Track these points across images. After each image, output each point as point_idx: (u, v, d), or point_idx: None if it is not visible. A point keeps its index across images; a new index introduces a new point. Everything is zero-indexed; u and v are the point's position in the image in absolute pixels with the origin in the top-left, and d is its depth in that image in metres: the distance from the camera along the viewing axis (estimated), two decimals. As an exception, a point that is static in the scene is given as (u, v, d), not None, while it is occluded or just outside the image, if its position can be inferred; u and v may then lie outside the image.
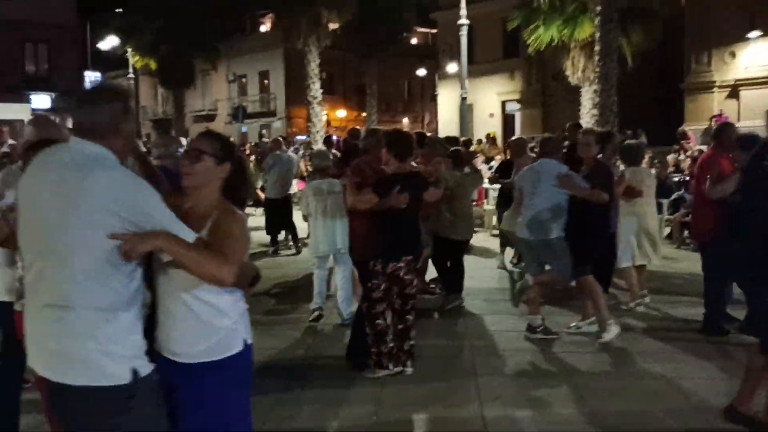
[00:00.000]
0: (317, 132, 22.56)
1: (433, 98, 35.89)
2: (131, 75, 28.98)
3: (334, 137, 16.99)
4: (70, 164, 2.36)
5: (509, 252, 9.34)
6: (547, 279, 6.30)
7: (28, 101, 28.46)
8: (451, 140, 9.19)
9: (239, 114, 32.82)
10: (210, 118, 42.99)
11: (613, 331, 5.98)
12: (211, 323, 2.58)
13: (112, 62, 35.77)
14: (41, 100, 29.88)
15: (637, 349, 5.90)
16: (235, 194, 2.75)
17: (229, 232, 2.56)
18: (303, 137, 24.06)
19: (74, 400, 2.38)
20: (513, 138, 10.61)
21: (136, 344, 2.42)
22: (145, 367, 2.42)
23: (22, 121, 23.91)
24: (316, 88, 23.12)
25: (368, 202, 5.13)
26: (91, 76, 32.30)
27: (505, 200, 9.00)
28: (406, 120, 41.38)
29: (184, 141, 16.15)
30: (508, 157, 9.59)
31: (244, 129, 33.91)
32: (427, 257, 7.45)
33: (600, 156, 6.26)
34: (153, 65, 30.02)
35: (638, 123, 17.93)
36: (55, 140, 3.50)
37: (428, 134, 10.41)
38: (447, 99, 30.98)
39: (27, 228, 2.46)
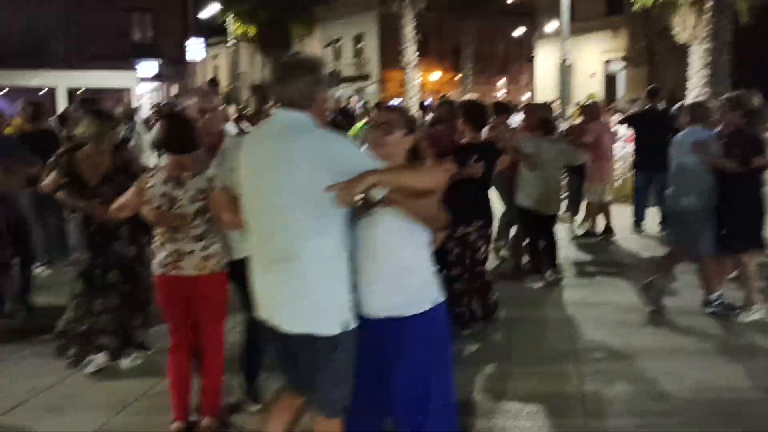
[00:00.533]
0: (411, 97, 22.41)
1: (530, 59, 34.90)
2: (231, 42, 29.65)
3: (428, 101, 16.89)
4: (279, 132, 2.67)
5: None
6: (711, 266, 5.98)
7: (135, 69, 29.71)
8: (533, 107, 8.94)
9: (334, 78, 33.06)
10: (306, 82, 43.56)
11: (754, 315, 5.74)
12: (403, 281, 2.75)
13: (212, 30, 36.71)
14: (148, 68, 31.09)
15: (747, 324, 5.64)
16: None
17: (416, 167, 2.85)
18: (397, 101, 23.95)
19: (294, 347, 2.69)
20: (587, 102, 10.33)
21: (347, 298, 2.67)
22: (352, 322, 2.66)
23: (128, 89, 25.13)
24: (411, 52, 22.90)
25: (449, 172, 5.20)
26: (193, 44, 33.25)
27: (574, 167, 8.68)
28: (501, 82, 40.51)
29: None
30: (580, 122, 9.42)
31: (339, 93, 34.19)
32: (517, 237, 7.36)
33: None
34: (251, 32, 30.58)
35: (752, 84, 16.81)
36: (210, 109, 3.82)
37: (523, 98, 10.16)
38: (545, 59, 30.04)
39: (249, 194, 2.78)
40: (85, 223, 4.67)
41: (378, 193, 2.59)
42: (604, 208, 9.14)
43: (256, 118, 12.36)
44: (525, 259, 7.34)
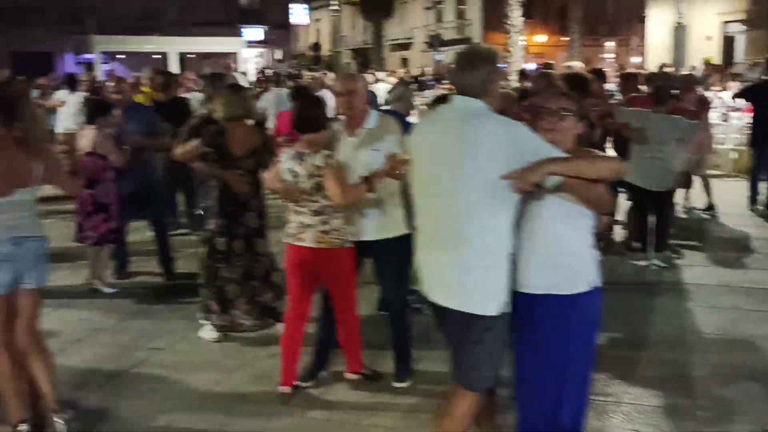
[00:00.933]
0: (515, 62, 21.82)
1: (641, 19, 33.24)
2: (335, 6, 29.81)
3: (530, 67, 16.42)
4: (458, 118, 2.82)
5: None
6: None
7: (240, 35, 30.46)
8: (630, 76, 8.52)
9: (435, 42, 32.74)
10: (405, 46, 43.30)
11: None
12: (559, 260, 2.83)
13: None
14: (253, 33, 31.81)
15: None
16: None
17: (590, 156, 2.88)
18: (500, 65, 23.40)
19: (453, 322, 2.88)
20: (685, 72, 9.75)
21: (506, 281, 2.80)
22: (507, 306, 2.81)
23: (235, 54, 25.81)
24: (516, 16, 22.17)
25: (624, 163, 5.13)
26: (297, 9, 33.74)
27: None
28: (610, 44, 38.89)
29: (379, 75, 16.45)
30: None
31: (438, 57, 33.83)
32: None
33: None
34: (355, -3, 30.62)
35: None
36: (346, 92, 4.00)
37: (634, 60, 9.76)
38: (658, 20, 28.53)
39: (422, 174, 2.97)
40: (222, 192, 4.84)
41: (552, 180, 2.66)
42: (704, 182, 8.75)
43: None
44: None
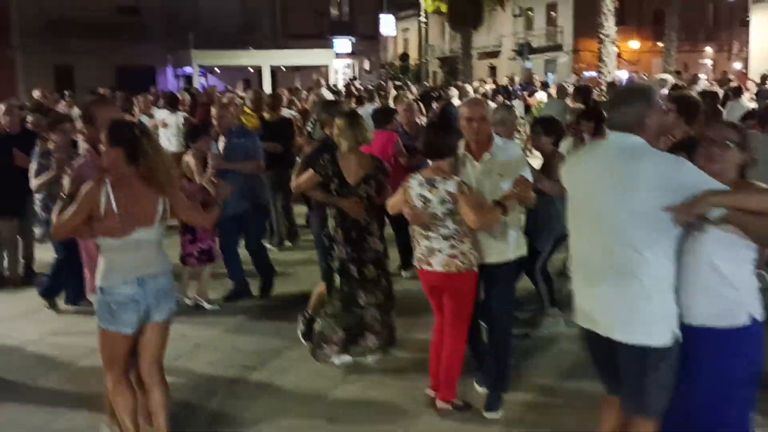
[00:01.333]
0: (608, 72, 21.23)
1: (744, 24, 31.75)
2: (423, 18, 29.93)
3: (622, 75, 15.94)
4: (617, 154, 2.88)
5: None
6: None
7: (331, 46, 30.98)
8: (709, 95, 8.00)
9: (524, 50, 32.35)
10: (494, 54, 43.00)
11: None
12: (719, 292, 2.85)
13: (404, 5, 37.31)
14: (343, 45, 32.32)
15: None
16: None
17: (755, 189, 2.90)
18: (591, 74, 22.88)
19: (624, 355, 2.91)
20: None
21: (675, 310, 2.85)
22: (679, 334, 2.85)
23: (326, 66, 26.23)
24: (609, 25, 21.54)
25: None
26: (385, 20, 34.02)
27: None
28: (709, 49, 37.38)
29: (470, 88, 16.40)
30: None
31: (528, 65, 33.41)
32: None
33: None
34: (443, 8, 30.62)
35: None
36: (478, 118, 4.08)
37: (735, 66, 9.26)
38: (761, 25, 27.18)
39: (580, 207, 3.06)
40: (342, 220, 4.91)
41: (714, 213, 2.69)
42: None
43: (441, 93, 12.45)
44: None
